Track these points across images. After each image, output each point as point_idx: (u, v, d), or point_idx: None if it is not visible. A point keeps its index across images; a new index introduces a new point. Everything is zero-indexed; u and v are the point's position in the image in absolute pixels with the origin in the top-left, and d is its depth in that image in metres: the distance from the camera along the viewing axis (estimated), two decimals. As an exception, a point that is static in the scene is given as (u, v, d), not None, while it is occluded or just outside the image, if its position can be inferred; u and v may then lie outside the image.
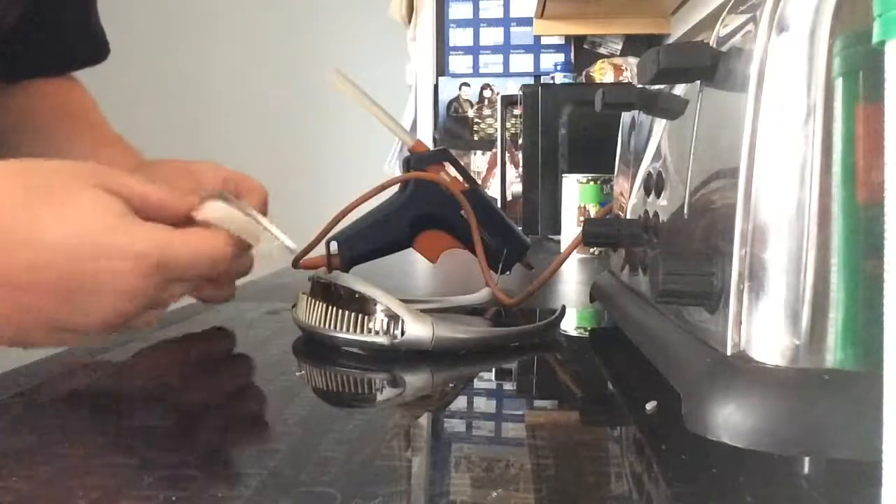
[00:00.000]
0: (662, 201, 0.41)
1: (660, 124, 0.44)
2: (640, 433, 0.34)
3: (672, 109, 0.41)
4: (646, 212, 0.44)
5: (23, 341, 0.40)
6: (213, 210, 0.43)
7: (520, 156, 1.38)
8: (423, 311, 0.47)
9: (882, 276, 0.20)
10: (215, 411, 0.39)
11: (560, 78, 1.78)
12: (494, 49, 2.04)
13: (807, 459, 0.28)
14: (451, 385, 0.42)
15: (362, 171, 1.65)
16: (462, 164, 0.74)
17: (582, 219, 1.00)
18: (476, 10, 2.05)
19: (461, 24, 2.05)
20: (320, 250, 0.59)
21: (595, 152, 0.87)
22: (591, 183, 1.03)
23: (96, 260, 0.37)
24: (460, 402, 0.40)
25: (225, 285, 0.55)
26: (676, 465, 0.29)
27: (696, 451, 0.30)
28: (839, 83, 0.27)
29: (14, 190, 0.37)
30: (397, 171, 1.42)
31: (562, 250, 0.67)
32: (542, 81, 1.90)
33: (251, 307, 0.64)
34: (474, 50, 2.05)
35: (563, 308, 0.54)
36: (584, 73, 1.73)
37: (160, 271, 0.39)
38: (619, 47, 1.95)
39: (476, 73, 2.05)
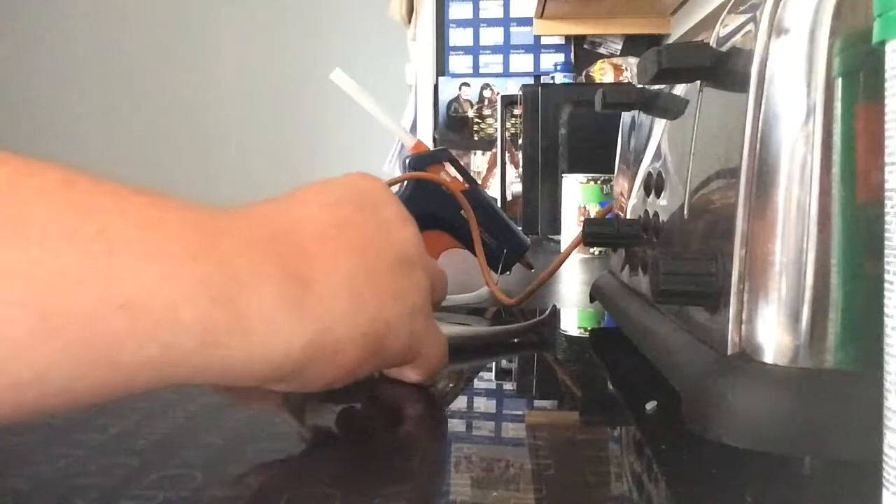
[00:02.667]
0: (662, 201, 0.41)
1: (660, 124, 0.44)
2: (640, 433, 0.34)
3: (672, 109, 0.41)
4: (646, 212, 0.44)
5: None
6: None
7: (520, 156, 1.38)
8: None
9: (882, 276, 0.20)
10: (215, 412, 0.38)
11: (560, 78, 1.79)
12: (494, 49, 2.04)
13: (807, 459, 0.28)
14: (451, 385, 0.42)
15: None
16: (462, 164, 0.74)
17: (582, 219, 1.00)
18: (476, 10, 2.05)
19: (461, 24, 2.05)
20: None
21: (595, 152, 0.87)
22: (591, 183, 1.03)
23: (374, 207, 0.33)
24: (460, 402, 0.40)
25: None
26: (676, 465, 0.29)
27: (696, 451, 0.30)
28: (839, 83, 0.27)
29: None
30: (397, 171, 1.42)
31: (562, 250, 0.67)
32: (542, 81, 1.90)
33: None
34: (474, 50, 2.05)
35: (554, 307, 0.54)
36: (584, 73, 1.73)
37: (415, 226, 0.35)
38: (619, 47, 1.95)
39: (476, 73, 2.05)
